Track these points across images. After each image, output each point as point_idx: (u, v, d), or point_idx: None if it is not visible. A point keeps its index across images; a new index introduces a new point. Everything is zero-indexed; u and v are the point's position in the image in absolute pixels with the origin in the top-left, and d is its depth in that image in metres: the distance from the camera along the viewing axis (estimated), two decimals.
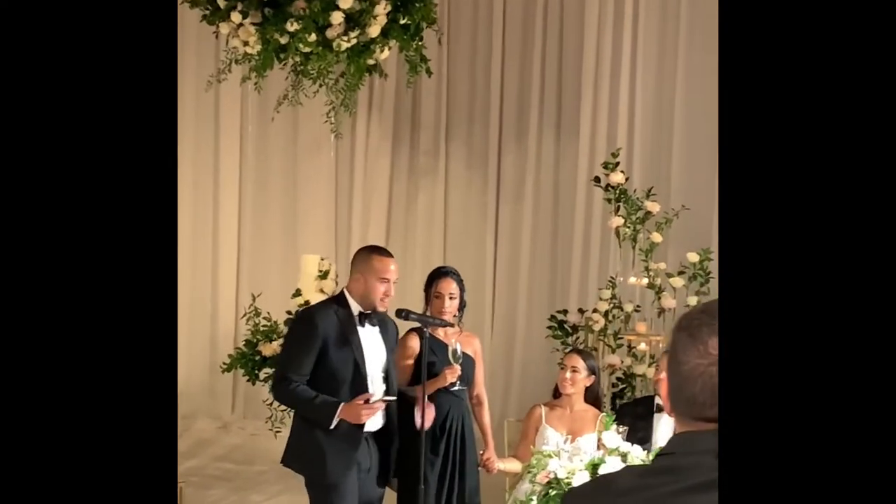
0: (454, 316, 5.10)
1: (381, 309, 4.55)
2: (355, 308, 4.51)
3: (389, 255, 4.63)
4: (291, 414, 6.53)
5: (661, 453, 1.57)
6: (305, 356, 4.43)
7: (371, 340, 4.54)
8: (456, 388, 4.92)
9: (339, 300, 4.58)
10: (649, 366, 7.31)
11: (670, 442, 1.58)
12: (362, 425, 4.43)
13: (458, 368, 4.82)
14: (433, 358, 4.85)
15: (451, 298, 5.02)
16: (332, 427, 4.35)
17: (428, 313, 5.01)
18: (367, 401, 4.38)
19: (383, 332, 4.66)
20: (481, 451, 5.17)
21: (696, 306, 1.58)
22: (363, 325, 4.51)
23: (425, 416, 4.62)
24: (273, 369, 7.22)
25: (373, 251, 4.66)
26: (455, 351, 4.85)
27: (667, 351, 5.02)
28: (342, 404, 4.35)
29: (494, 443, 5.38)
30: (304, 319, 4.57)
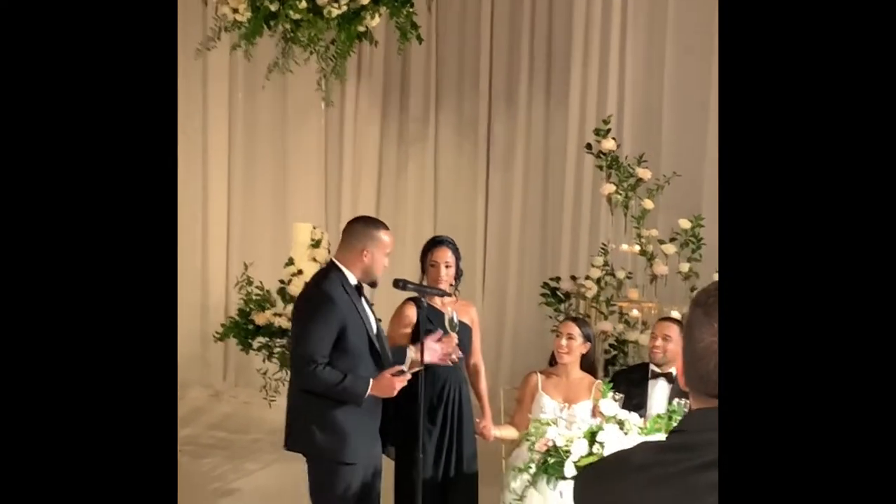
0: (451, 285, 5.08)
1: (377, 281, 4.53)
2: (352, 280, 4.45)
3: (388, 227, 4.61)
4: (286, 383, 6.54)
5: (675, 430, 1.57)
6: (329, 336, 4.28)
7: (367, 310, 4.52)
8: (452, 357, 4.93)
9: (338, 273, 4.45)
10: (641, 332, 7.34)
11: (684, 419, 1.59)
12: (381, 399, 4.41)
13: (455, 337, 4.82)
14: (430, 327, 4.84)
15: (446, 267, 5.01)
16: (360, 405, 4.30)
17: (424, 283, 5.00)
18: (394, 374, 4.34)
19: (367, 299, 4.63)
20: (478, 419, 5.18)
21: (713, 283, 1.58)
22: (361, 296, 4.49)
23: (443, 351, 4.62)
24: (267, 338, 7.23)
25: (377, 225, 4.54)
26: (452, 319, 4.84)
27: (662, 319, 5.04)
28: (371, 380, 4.31)
29: (490, 411, 5.38)
30: (322, 298, 4.33)
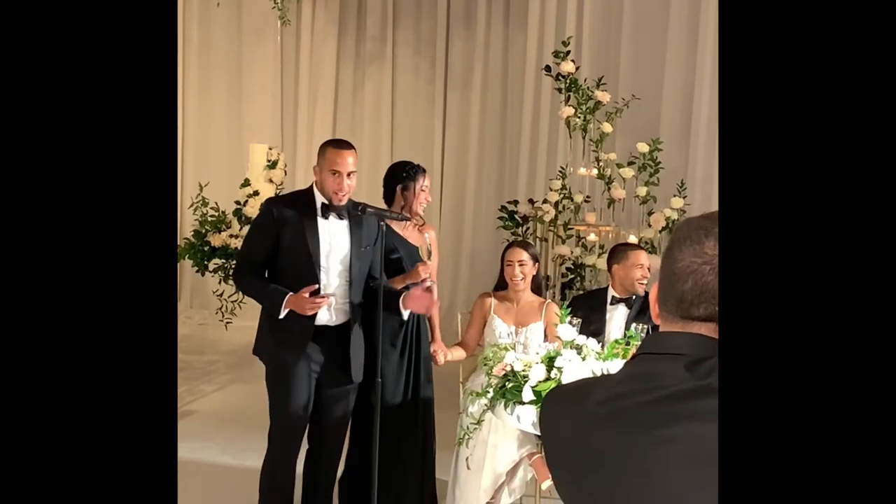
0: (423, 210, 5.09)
1: (336, 202, 4.44)
2: (319, 201, 4.42)
3: (346, 147, 4.48)
4: (244, 305, 6.53)
5: (636, 354, 1.57)
6: (260, 244, 4.42)
7: (335, 233, 4.45)
8: (428, 283, 4.91)
9: (304, 193, 4.51)
10: (599, 256, 7.36)
11: (644, 342, 1.59)
12: (312, 318, 4.41)
13: (430, 265, 4.81)
14: (397, 254, 4.84)
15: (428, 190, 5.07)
16: (280, 317, 4.36)
17: (403, 210, 4.95)
18: (315, 293, 4.34)
19: (353, 227, 4.54)
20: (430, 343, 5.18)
21: (699, 215, 1.58)
22: (326, 217, 4.42)
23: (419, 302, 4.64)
24: (223, 260, 7.19)
25: (330, 143, 4.50)
26: (429, 249, 4.86)
27: (633, 247, 5.01)
28: (289, 295, 4.34)
29: (445, 334, 5.37)
30: (262, 210, 4.55)
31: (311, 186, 4.50)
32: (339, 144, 4.49)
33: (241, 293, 4.69)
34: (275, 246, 4.40)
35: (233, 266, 7.23)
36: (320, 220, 4.41)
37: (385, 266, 4.68)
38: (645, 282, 5.33)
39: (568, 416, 1.55)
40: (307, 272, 4.38)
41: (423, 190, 5.03)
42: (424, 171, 5.12)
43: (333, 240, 4.44)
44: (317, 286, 4.37)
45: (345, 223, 4.47)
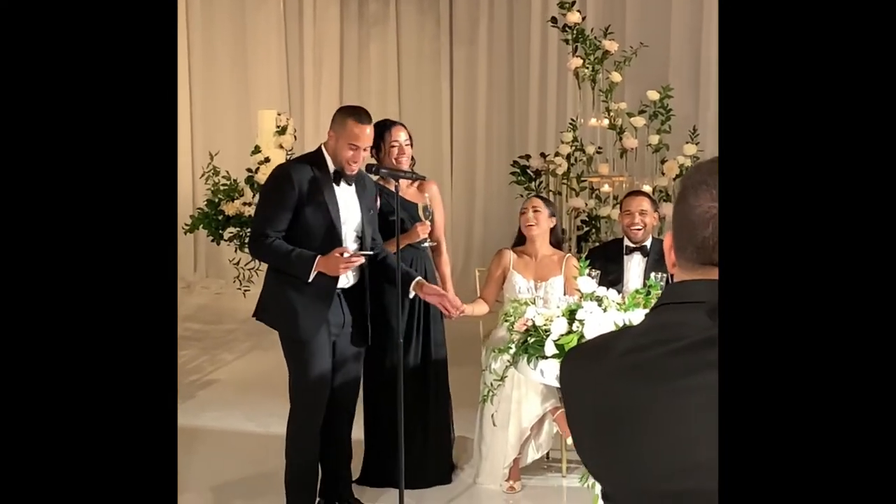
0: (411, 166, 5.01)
1: (348, 173, 4.43)
2: (331, 166, 4.40)
3: (367, 121, 4.41)
4: (261, 272, 6.52)
5: (655, 305, 1.55)
6: (281, 212, 4.35)
7: (346, 199, 4.44)
8: (426, 244, 4.90)
9: (315, 157, 4.45)
10: (613, 207, 7.32)
11: (665, 292, 1.57)
12: (335, 281, 4.40)
13: (429, 225, 4.79)
14: (403, 214, 4.77)
15: (407, 146, 4.94)
16: (309, 280, 4.32)
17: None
18: (342, 254, 4.32)
19: (360, 191, 4.55)
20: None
21: (710, 159, 1.55)
22: (339, 184, 4.41)
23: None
24: (238, 228, 7.18)
25: (351, 114, 4.41)
26: (426, 207, 4.79)
27: (631, 193, 4.98)
28: (319, 257, 4.32)
29: (462, 291, 5.34)
30: (280, 175, 4.43)
31: (321, 150, 4.45)
32: (361, 118, 4.41)
33: (257, 260, 4.52)
34: (294, 212, 4.36)
35: (248, 234, 7.24)
36: (335, 187, 4.41)
37: (382, 228, 4.70)
38: (639, 227, 5.32)
39: (590, 373, 1.53)
40: (330, 238, 4.38)
41: (392, 145, 4.93)
42: (394, 124, 5.02)
43: (347, 206, 4.43)
44: (347, 248, 4.39)
45: (353, 189, 4.46)
